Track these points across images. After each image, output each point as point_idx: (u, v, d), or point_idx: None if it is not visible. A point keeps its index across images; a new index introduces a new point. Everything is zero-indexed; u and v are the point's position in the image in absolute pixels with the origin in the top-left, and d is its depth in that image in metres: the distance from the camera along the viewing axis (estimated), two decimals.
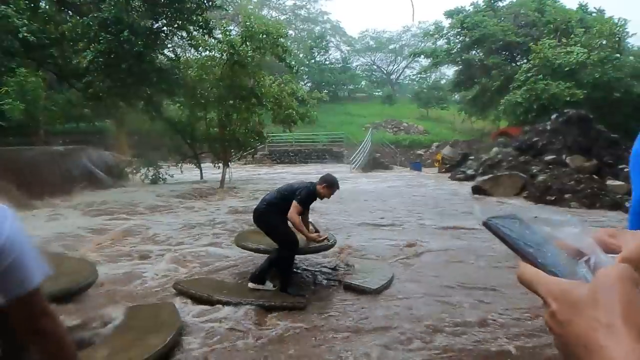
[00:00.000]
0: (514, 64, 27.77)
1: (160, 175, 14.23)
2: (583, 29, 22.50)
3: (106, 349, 2.63)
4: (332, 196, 4.02)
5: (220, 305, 3.50)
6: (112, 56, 10.33)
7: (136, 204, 9.44)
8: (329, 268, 4.60)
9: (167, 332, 2.84)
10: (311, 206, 4.13)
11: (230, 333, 3.09)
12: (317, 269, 4.59)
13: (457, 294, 3.95)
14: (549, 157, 11.71)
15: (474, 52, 29.73)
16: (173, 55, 13.72)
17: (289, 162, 25.65)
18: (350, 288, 4.01)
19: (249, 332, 3.10)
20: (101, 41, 10.08)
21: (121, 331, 2.92)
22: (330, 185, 3.93)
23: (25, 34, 9.40)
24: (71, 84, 12.71)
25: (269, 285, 3.87)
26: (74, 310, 3.24)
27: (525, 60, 25.00)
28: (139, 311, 3.32)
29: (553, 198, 9.79)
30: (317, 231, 4.11)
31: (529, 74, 20.93)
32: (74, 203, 9.31)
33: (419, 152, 29.14)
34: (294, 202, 3.72)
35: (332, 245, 4.18)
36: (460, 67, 30.52)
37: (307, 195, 3.82)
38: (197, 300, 3.64)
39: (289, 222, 3.77)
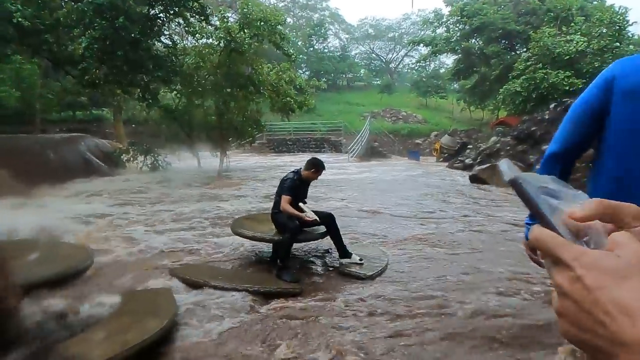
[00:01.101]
0: (513, 53, 27.62)
1: (159, 163, 14.23)
2: (583, 17, 22.35)
3: (103, 331, 2.65)
4: (319, 177, 4.32)
5: (216, 291, 3.53)
6: (108, 43, 10.22)
7: (134, 191, 9.45)
8: (325, 254, 4.63)
9: (164, 316, 2.86)
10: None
11: (225, 318, 3.12)
12: (313, 255, 4.62)
13: (452, 279, 3.98)
14: (546, 147, 11.73)
15: (473, 40, 29.54)
16: (170, 43, 13.56)
17: (287, 150, 25.61)
18: (345, 274, 4.05)
19: (244, 317, 3.14)
20: (96, 27, 9.96)
21: (118, 315, 2.94)
22: (316, 168, 4.21)
23: (19, 19, 9.25)
24: (67, 71, 12.57)
25: (355, 257, 4.19)
26: (69, 294, 3.27)
27: (524, 49, 24.86)
28: (136, 296, 3.35)
29: None
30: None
31: (528, 63, 20.82)
32: (70, 191, 9.31)
33: (417, 141, 29.14)
34: (282, 196, 4.03)
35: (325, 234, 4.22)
36: (460, 55, 30.33)
37: (291, 184, 4.08)
38: (193, 285, 3.67)
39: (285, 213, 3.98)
